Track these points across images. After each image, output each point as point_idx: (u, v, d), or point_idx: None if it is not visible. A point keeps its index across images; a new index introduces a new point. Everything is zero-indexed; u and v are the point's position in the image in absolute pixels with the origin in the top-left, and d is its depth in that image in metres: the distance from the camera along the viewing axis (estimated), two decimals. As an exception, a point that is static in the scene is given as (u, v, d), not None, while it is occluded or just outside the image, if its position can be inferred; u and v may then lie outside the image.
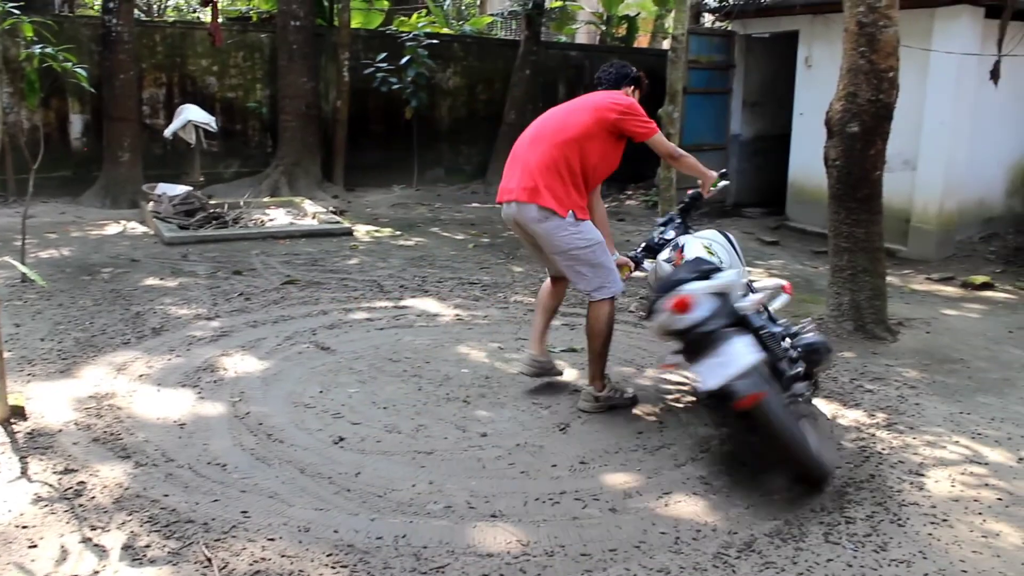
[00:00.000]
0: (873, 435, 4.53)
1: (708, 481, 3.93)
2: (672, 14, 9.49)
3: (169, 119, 10.74)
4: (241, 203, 10.40)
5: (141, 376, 5.00)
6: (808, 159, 10.12)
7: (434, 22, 15.70)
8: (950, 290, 8.13)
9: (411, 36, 12.52)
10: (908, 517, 3.68)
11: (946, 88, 9.18)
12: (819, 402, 4.94)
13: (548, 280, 4.99)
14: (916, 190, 9.52)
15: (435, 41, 12.79)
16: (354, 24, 13.49)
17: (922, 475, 4.09)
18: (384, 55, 12.26)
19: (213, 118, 10.14)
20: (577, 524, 3.52)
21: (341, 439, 4.24)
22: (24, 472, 3.78)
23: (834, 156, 6.18)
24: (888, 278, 6.71)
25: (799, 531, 3.53)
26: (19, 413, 4.30)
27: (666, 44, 15.91)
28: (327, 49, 12.59)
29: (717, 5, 12.26)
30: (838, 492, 3.86)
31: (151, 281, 7.10)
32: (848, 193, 6.15)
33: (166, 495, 3.62)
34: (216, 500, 3.60)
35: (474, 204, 12.29)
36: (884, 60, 5.88)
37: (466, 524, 3.49)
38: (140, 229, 9.48)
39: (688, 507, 3.69)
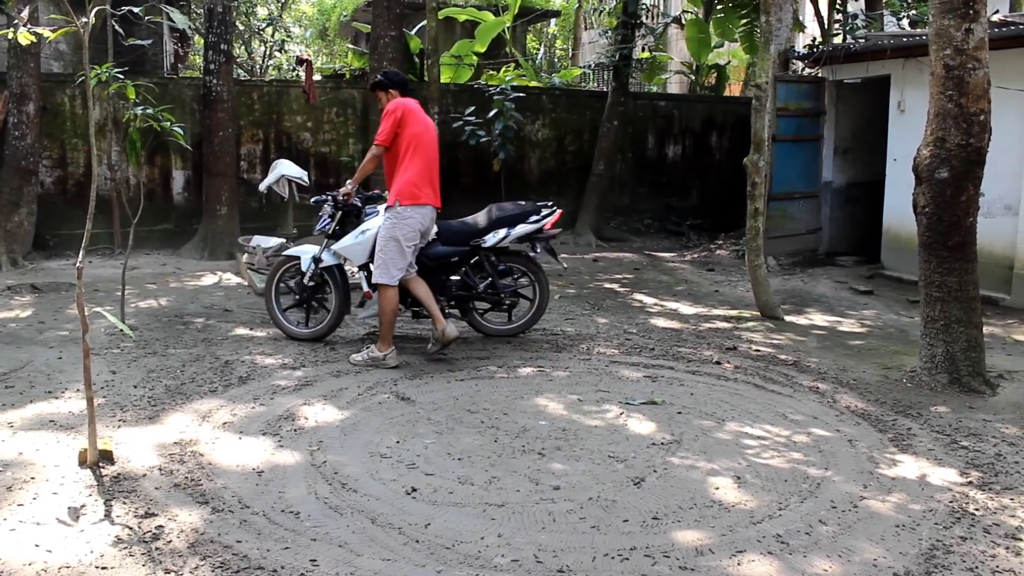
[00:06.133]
0: (966, 495, 4.31)
1: (785, 540, 3.78)
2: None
3: (265, 173, 11.09)
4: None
5: (225, 424, 5.13)
6: (903, 206, 9.72)
7: (523, 75, 15.93)
8: (1057, 342, 7.73)
9: (498, 89, 12.72)
10: (1001, 584, 3.48)
11: (1047, 130, 8.84)
12: (906, 457, 4.75)
13: None
14: (1020, 236, 9.12)
15: (522, 94, 12.96)
16: (444, 79, 13.78)
17: (1019, 539, 3.86)
18: (472, 108, 12.47)
19: (305, 172, 10.43)
20: (646, 582, 3.44)
21: (414, 490, 4.25)
22: (107, 514, 3.90)
23: (923, 203, 6.00)
24: (990, 328, 6.44)
25: (881, 595, 3.37)
26: (107, 457, 4.46)
27: (756, 92, 15.77)
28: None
29: (806, 52, 12.12)
30: (925, 556, 3.67)
31: (241, 331, 7.30)
32: (939, 241, 5.95)
33: (239, 541, 3.68)
34: (287, 548, 3.64)
35: (562, 255, 12.24)
36: (974, 103, 5.71)
37: (532, 579, 3.44)
38: (235, 280, 9.79)
39: (761, 567, 3.55)
